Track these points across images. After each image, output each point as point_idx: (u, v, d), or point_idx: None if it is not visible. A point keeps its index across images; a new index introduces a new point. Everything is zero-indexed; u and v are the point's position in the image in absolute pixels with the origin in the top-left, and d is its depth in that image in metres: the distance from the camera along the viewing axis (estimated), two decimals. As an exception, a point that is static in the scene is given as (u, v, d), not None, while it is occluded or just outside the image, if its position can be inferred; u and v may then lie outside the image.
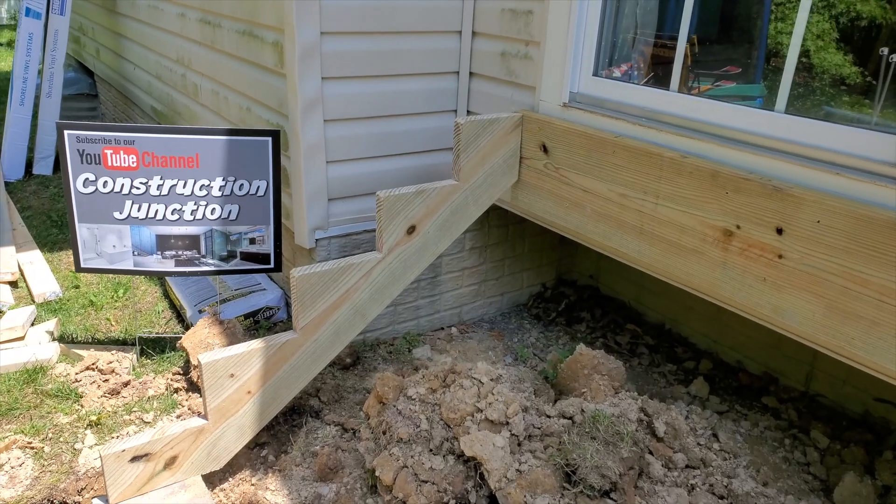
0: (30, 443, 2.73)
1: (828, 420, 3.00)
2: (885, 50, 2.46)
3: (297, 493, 2.52)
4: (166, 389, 3.08)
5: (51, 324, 3.53)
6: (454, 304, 3.79)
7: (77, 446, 2.75)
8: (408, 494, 2.28)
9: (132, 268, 3.12)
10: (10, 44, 12.67)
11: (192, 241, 3.09)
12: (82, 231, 3.03)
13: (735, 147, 2.27)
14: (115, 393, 3.03)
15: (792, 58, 2.14)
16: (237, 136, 2.97)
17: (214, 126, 3.97)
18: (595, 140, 2.63)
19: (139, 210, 3.01)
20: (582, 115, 2.77)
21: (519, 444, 2.33)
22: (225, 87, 3.95)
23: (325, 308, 2.55)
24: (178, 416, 2.94)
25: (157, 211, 3.02)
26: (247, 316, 3.61)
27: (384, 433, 2.49)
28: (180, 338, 3.17)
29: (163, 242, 3.08)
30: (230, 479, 2.59)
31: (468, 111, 3.43)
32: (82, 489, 2.54)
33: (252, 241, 3.14)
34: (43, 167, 6.05)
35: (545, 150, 2.85)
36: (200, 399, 2.81)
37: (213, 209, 3.05)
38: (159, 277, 4.11)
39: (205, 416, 2.45)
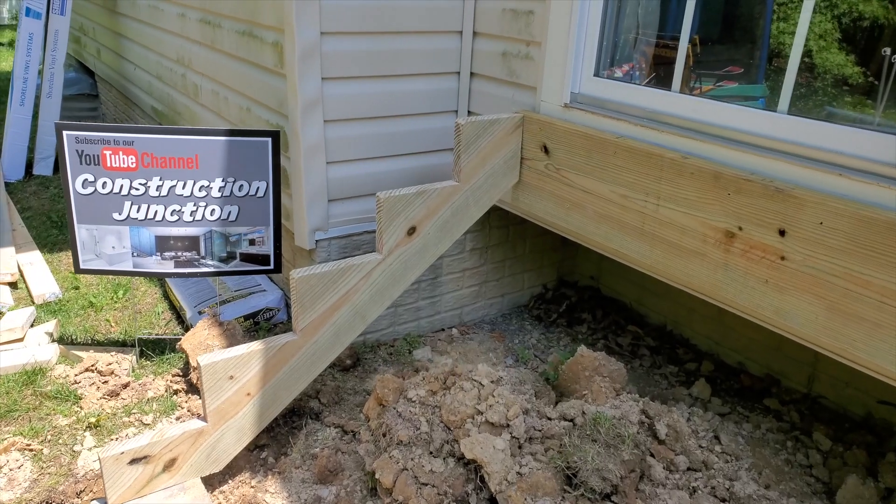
0: (28, 445, 2.72)
1: (830, 422, 2.98)
2: (888, 50, 2.45)
3: (296, 495, 2.51)
4: (166, 391, 3.07)
5: (50, 325, 3.52)
6: (455, 306, 3.78)
7: (76, 448, 2.74)
8: (408, 497, 2.27)
9: (131, 269, 3.11)
10: (11, 44, 12.68)
11: (192, 243, 3.08)
12: (81, 232, 3.02)
13: (737, 148, 2.25)
14: (114, 395, 3.02)
15: (795, 58, 2.13)
16: (237, 136, 2.96)
17: (215, 126, 3.96)
18: (596, 141, 2.62)
19: (138, 211, 3.00)
20: (583, 116, 2.76)
21: (520, 447, 2.31)
22: (225, 87, 3.94)
23: (325, 309, 2.55)
24: (177, 418, 2.94)
25: (156, 212, 3.01)
26: (247, 317, 3.60)
27: (384, 435, 2.48)
28: (180, 339, 3.16)
29: (162, 243, 3.07)
30: (230, 482, 2.58)
31: (469, 112, 3.42)
32: (81, 491, 2.53)
33: (252, 243, 3.13)
34: (43, 168, 6.04)
35: (546, 150, 2.84)
36: (200, 401, 2.80)
37: (213, 210, 3.04)
38: (159, 279, 4.10)
39: (204, 418, 2.44)
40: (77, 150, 2.89)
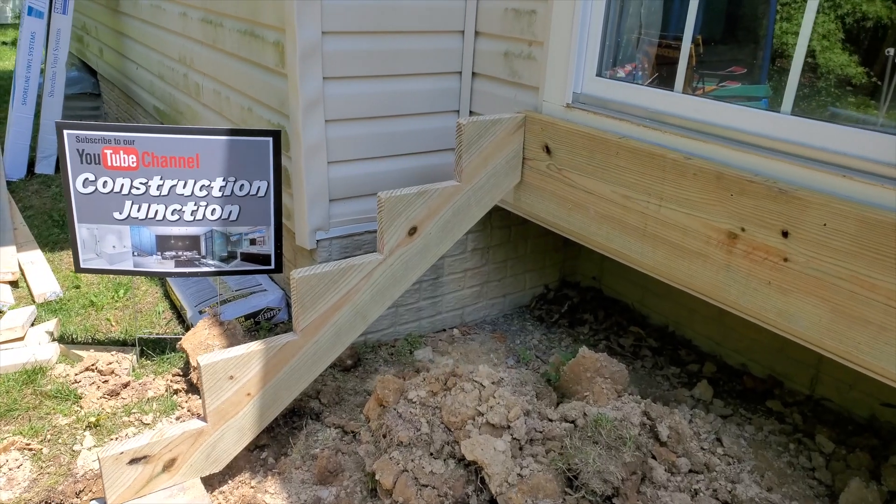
0: (28, 444, 2.72)
1: (833, 425, 2.97)
2: (892, 50, 2.44)
3: (296, 496, 2.50)
4: (166, 391, 3.07)
5: (51, 324, 3.52)
6: (456, 306, 3.77)
7: (76, 448, 2.74)
8: (408, 498, 2.26)
9: (132, 268, 3.10)
10: (14, 42, 12.69)
11: (193, 242, 3.08)
12: (82, 231, 3.01)
13: (740, 149, 2.24)
14: (114, 394, 3.02)
15: (798, 58, 2.11)
16: (238, 136, 2.95)
17: (216, 126, 3.96)
18: (598, 141, 2.61)
19: (139, 210, 2.99)
20: (585, 116, 2.75)
21: (520, 449, 2.30)
22: (226, 86, 3.93)
23: (326, 309, 2.54)
24: (177, 418, 2.93)
25: (156, 211, 3.00)
26: (247, 317, 3.60)
27: (384, 436, 2.47)
28: (180, 339, 3.16)
29: (163, 243, 3.06)
30: (229, 482, 2.58)
31: (471, 111, 3.41)
32: (80, 491, 2.52)
33: (252, 242, 3.12)
34: (45, 166, 6.05)
35: (548, 150, 2.83)
36: (200, 401, 2.80)
37: (214, 209, 3.03)
38: (160, 278, 4.10)
39: (204, 419, 2.43)
40: (78, 150, 2.88)
